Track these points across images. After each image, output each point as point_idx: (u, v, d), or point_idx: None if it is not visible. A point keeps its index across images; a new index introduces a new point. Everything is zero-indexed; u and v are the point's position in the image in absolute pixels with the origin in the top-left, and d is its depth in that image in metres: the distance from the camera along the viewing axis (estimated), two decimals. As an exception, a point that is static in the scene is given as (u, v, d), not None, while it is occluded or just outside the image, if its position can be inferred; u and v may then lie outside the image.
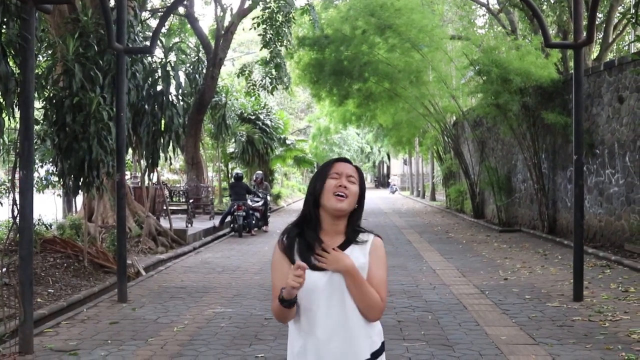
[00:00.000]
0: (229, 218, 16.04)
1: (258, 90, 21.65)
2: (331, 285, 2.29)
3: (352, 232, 2.39)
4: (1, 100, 6.77)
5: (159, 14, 18.03)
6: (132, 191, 14.49)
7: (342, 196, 2.32)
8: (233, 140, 26.19)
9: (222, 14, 20.28)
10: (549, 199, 14.52)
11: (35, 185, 12.64)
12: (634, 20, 7.80)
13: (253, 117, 26.83)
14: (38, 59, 11.66)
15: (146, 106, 11.24)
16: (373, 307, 2.30)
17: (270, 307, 2.38)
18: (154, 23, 16.89)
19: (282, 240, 2.39)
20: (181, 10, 19.66)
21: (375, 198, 38.67)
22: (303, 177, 48.95)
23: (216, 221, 16.73)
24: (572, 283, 7.59)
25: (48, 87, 9.54)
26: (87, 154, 8.64)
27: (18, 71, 6.35)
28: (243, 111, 26.29)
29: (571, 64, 15.46)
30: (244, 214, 15.62)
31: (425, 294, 7.99)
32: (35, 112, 8.35)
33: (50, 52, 10.43)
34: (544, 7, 18.96)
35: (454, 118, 22.63)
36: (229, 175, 26.49)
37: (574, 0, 7.72)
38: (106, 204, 12.42)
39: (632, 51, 17.24)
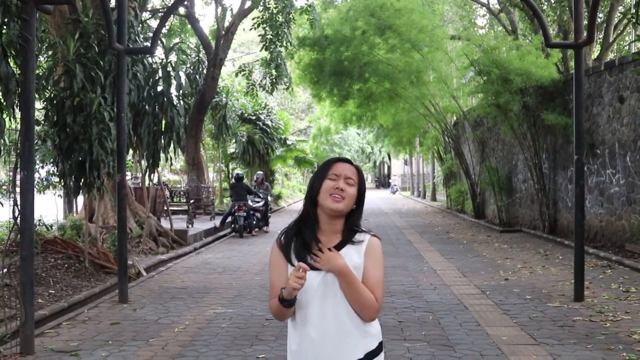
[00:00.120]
0: (229, 218, 16.04)
1: (257, 90, 21.66)
2: (325, 285, 2.31)
3: (349, 232, 2.40)
4: (2, 100, 6.77)
5: (160, 14, 18.05)
6: (132, 192, 14.49)
7: (338, 197, 2.34)
8: (234, 140, 26.20)
9: (222, 14, 20.30)
10: (549, 199, 14.52)
11: (36, 186, 12.67)
12: (634, 20, 7.81)
13: (254, 118, 26.84)
14: (39, 59, 11.68)
15: (147, 107, 11.24)
16: (367, 308, 2.30)
17: (269, 306, 2.40)
18: (154, 23, 16.88)
19: (280, 239, 2.42)
20: (182, 10, 19.67)
21: (375, 198, 38.68)
22: (304, 178, 48.93)
23: (217, 222, 16.73)
24: (573, 283, 7.59)
25: (49, 88, 9.55)
26: (87, 154, 8.64)
27: (19, 72, 6.36)
28: (244, 111, 26.30)
29: (572, 63, 15.44)
30: (245, 214, 15.62)
31: (426, 295, 7.99)
32: (36, 113, 8.39)
33: (51, 52, 10.43)
34: (545, 7, 18.96)
35: (455, 118, 22.62)
36: (230, 176, 26.50)
37: (575, 0, 7.72)
38: (107, 204, 12.42)
39: (633, 51, 17.24)
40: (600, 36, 17.94)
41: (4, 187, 12.57)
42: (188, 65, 16.48)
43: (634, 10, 7.57)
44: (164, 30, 13.87)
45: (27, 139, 5.58)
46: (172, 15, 17.75)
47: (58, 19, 10.59)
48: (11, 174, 7.01)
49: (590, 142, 12.16)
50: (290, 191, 38.54)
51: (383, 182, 67.22)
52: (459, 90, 19.75)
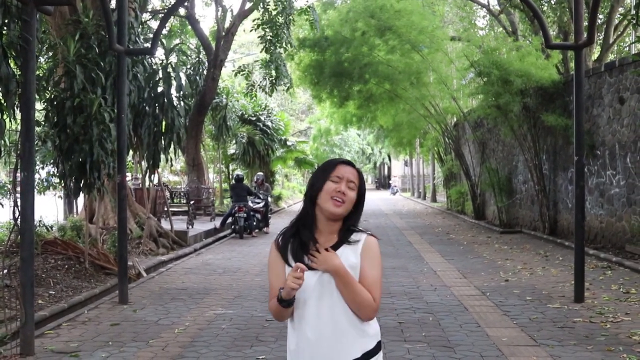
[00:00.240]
0: (229, 219, 16.03)
1: (256, 91, 21.66)
2: (321, 285, 2.32)
3: (345, 232, 2.41)
4: (2, 101, 6.77)
5: (160, 15, 18.06)
6: (133, 192, 14.49)
7: (339, 201, 2.34)
8: (234, 141, 26.20)
9: (222, 15, 20.30)
10: (549, 200, 14.52)
11: (37, 187, 12.66)
12: (634, 21, 7.81)
13: (254, 119, 26.85)
14: (39, 60, 11.67)
15: (147, 107, 11.24)
16: (364, 307, 2.31)
17: (268, 306, 2.42)
18: (154, 24, 16.89)
19: (278, 240, 2.44)
20: (182, 11, 19.68)
21: (376, 199, 38.67)
22: (304, 179, 48.92)
23: (217, 222, 16.73)
24: (573, 284, 7.59)
25: (49, 89, 9.55)
26: (88, 155, 8.64)
27: (19, 72, 6.36)
28: (244, 112, 26.31)
29: (572, 65, 15.43)
30: (245, 215, 15.62)
31: (426, 296, 7.99)
32: (37, 114, 8.38)
33: (51, 53, 10.42)
34: (545, 8, 18.96)
35: (455, 119, 22.63)
36: (230, 177, 26.50)
37: (575, 1, 7.72)
38: (107, 205, 12.42)
39: (633, 52, 17.24)
40: (601, 37, 17.95)
41: (5, 187, 12.56)
42: (188, 66, 16.47)
43: (634, 12, 7.58)
44: (164, 31, 13.88)
45: (27, 139, 5.58)
46: (172, 16, 17.75)
47: (58, 20, 10.59)
48: (11, 174, 7.01)
49: (591, 143, 12.16)
50: (291, 192, 38.52)
51: (383, 183, 67.19)
52: (459, 91, 19.75)
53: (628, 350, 5.40)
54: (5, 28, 6.62)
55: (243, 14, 19.81)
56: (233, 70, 23.08)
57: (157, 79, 11.62)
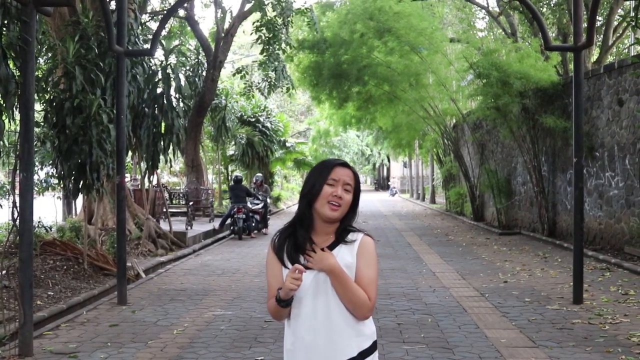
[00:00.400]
0: (228, 220, 16.03)
1: (253, 92, 21.66)
2: (316, 284, 2.34)
3: (342, 232, 2.42)
4: (1, 102, 6.77)
5: (159, 16, 18.06)
6: (132, 193, 14.49)
7: (336, 205, 2.35)
8: (233, 142, 26.21)
9: (222, 16, 20.31)
10: (548, 201, 14.53)
11: (35, 188, 12.65)
12: (633, 23, 7.81)
13: (253, 120, 26.85)
14: (38, 61, 11.67)
15: (146, 109, 11.25)
16: (360, 306, 2.32)
17: (267, 306, 2.44)
18: (154, 26, 16.91)
19: (274, 240, 2.46)
20: (181, 12, 19.68)
21: (375, 201, 38.64)
22: (303, 180, 48.93)
23: (216, 224, 16.72)
24: (572, 286, 7.59)
25: (48, 90, 9.54)
26: (87, 156, 8.64)
27: (18, 73, 6.36)
28: (243, 114, 26.31)
29: (571, 66, 15.47)
30: (244, 216, 15.61)
31: (425, 297, 7.99)
32: (36, 115, 8.38)
33: (50, 54, 10.43)
34: (544, 9, 19.01)
35: (454, 121, 22.65)
36: (229, 178, 26.47)
37: (574, 3, 7.74)
38: (106, 206, 12.42)
39: (632, 54, 17.26)
40: (600, 39, 17.98)
41: (4, 188, 12.55)
42: (187, 68, 16.48)
43: (633, 14, 7.58)
44: (163, 33, 13.88)
45: (26, 140, 5.58)
46: (171, 18, 17.76)
47: (58, 21, 10.59)
48: (11, 175, 7.01)
49: (590, 145, 12.17)
50: (290, 193, 38.49)
51: (382, 184, 67.15)
52: (458, 92, 19.77)
53: (627, 352, 5.40)
54: (4, 29, 6.62)
55: (242, 15, 19.82)
56: (232, 72, 23.09)
57: (156, 80, 11.63)
